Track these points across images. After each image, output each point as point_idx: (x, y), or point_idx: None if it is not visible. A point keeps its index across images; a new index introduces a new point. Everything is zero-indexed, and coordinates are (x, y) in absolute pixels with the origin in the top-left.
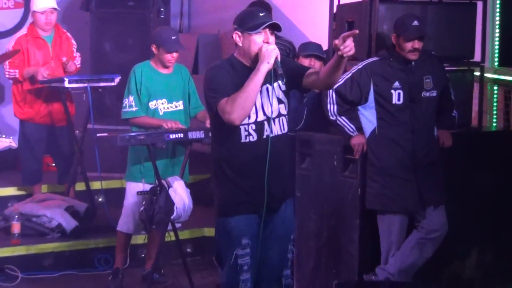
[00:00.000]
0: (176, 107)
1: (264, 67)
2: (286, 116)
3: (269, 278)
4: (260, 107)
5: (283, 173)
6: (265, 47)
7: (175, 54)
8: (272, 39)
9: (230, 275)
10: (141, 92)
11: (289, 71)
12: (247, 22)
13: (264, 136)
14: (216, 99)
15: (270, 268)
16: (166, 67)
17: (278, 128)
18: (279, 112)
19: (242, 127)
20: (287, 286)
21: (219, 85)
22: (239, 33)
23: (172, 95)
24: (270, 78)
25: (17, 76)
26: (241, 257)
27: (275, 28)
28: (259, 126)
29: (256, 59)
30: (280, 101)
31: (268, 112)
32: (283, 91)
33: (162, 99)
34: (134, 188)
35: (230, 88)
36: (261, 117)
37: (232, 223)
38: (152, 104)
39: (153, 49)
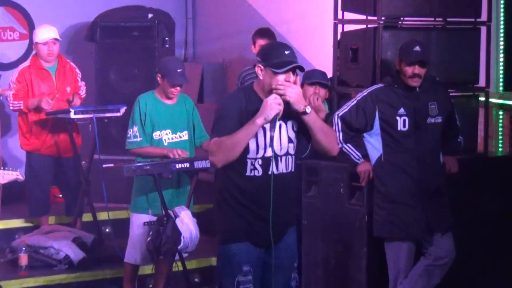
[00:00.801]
0: (180, 137)
1: (260, 121)
2: (294, 156)
3: None
4: (270, 143)
5: (287, 208)
6: (271, 99)
7: (178, 88)
8: (293, 78)
9: None
10: (145, 122)
11: (302, 125)
12: (272, 58)
13: (270, 172)
14: (212, 133)
15: None
16: (169, 98)
17: (284, 166)
18: (287, 151)
19: (248, 161)
20: None
21: (221, 120)
22: (262, 67)
23: (176, 126)
24: (284, 115)
25: (22, 107)
26: (243, 284)
27: (298, 68)
28: (265, 161)
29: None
30: (290, 140)
31: (277, 149)
32: (295, 131)
33: (166, 129)
34: (140, 219)
35: (229, 127)
36: (269, 153)
37: (234, 250)
38: (156, 135)
39: (158, 78)
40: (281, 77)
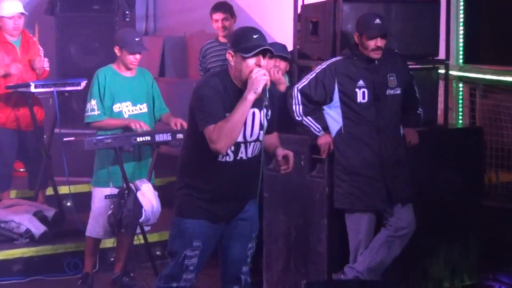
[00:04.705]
0: (140, 109)
1: (251, 96)
2: (261, 142)
3: (230, 274)
4: (242, 129)
5: (250, 187)
6: (255, 73)
7: (138, 56)
8: (264, 62)
9: (174, 270)
10: (105, 95)
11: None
12: (240, 43)
13: (238, 158)
14: (205, 123)
15: (231, 265)
16: (128, 69)
17: (251, 151)
18: (258, 137)
19: None
20: (245, 282)
21: (209, 107)
22: (232, 53)
23: (136, 98)
24: (259, 102)
25: None
26: (189, 258)
27: (269, 51)
28: (236, 147)
29: (246, 81)
30: (261, 128)
31: (248, 136)
32: (267, 119)
33: (126, 102)
34: (101, 193)
35: (220, 113)
36: (240, 139)
37: (187, 225)
38: (116, 107)
39: (116, 50)
40: (251, 61)
